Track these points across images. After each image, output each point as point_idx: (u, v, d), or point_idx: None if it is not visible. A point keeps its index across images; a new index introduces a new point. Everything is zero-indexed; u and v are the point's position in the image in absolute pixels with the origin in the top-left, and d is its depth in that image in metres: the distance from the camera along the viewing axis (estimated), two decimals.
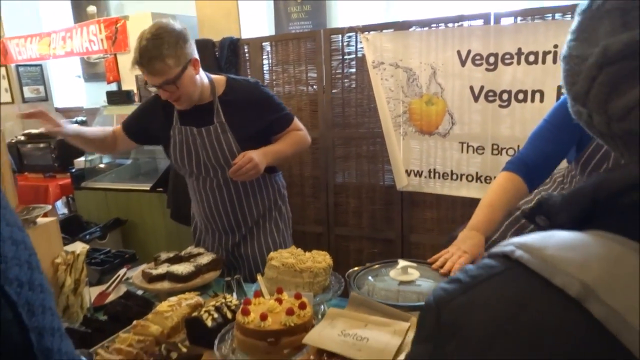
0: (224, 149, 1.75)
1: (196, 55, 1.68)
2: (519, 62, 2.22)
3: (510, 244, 0.42)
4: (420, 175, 2.59)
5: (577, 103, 0.42)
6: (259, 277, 1.52)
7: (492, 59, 2.27)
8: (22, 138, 4.08)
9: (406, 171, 2.61)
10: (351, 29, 2.63)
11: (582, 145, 1.43)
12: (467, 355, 0.39)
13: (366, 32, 2.54)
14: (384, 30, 2.54)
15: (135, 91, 3.86)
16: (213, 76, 1.81)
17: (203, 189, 1.85)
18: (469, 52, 2.31)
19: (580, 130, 0.47)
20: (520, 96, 2.25)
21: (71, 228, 2.97)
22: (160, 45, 1.56)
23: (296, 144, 1.86)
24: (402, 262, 1.39)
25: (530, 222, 0.48)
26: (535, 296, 0.38)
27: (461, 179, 2.48)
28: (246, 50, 2.96)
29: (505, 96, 2.29)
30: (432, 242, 2.59)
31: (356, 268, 1.52)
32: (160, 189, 3.09)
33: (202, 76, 1.73)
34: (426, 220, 2.69)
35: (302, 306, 1.25)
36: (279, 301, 1.27)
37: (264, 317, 1.19)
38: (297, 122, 1.88)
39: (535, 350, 0.36)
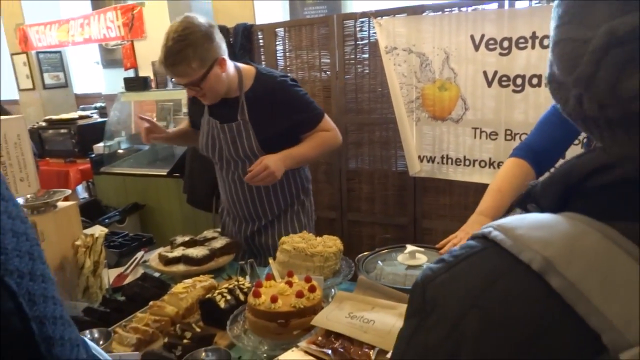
0: (245, 146, 1.75)
1: (223, 54, 1.66)
2: (533, 47, 2.19)
3: (490, 226, 0.45)
4: (433, 161, 2.59)
5: (578, 87, 0.42)
6: (270, 260, 1.56)
7: (506, 43, 2.25)
8: (44, 124, 4.18)
9: (419, 157, 2.61)
10: (364, 14, 2.62)
11: None
12: (443, 326, 0.42)
13: (379, 17, 2.53)
14: (397, 15, 2.52)
15: (152, 77, 3.91)
16: (243, 67, 1.78)
17: (226, 178, 1.87)
18: (482, 36, 2.29)
19: None
20: (535, 81, 2.23)
21: (91, 212, 3.06)
22: (185, 48, 1.56)
23: (321, 146, 1.80)
24: (410, 247, 1.41)
25: (522, 209, 0.51)
26: (505, 271, 0.41)
27: (474, 165, 2.48)
28: (260, 36, 2.98)
29: (519, 81, 2.27)
30: (445, 228, 2.60)
31: (366, 253, 1.55)
32: (177, 174, 3.15)
33: (230, 70, 1.70)
34: (439, 206, 2.70)
35: (312, 289, 1.29)
36: (290, 284, 1.31)
37: (274, 299, 1.23)
38: (327, 121, 1.81)
39: (501, 321, 0.39)
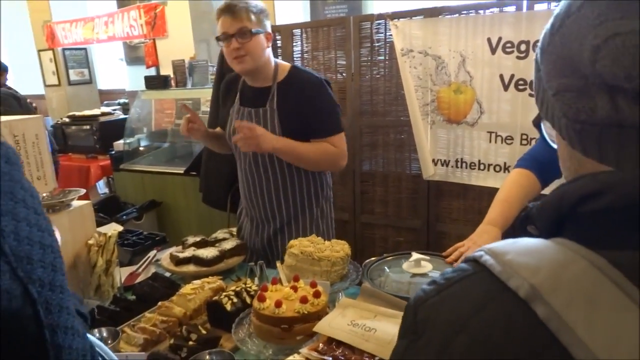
0: None
1: (270, 32, 1.77)
2: None
3: (481, 250, 0.45)
4: (447, 165, 2.57)
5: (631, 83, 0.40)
6: (278, 264, 1.58)
7: (523, 47, 2.21)
8: (67, 120, 4.28)
9: (433, 160, 2.60)
10: (380, 16, 2.61)
11: None
12: (433, 348, 0.43)
13: (395, 19, 2.51)
14: (414, 17, 2.50)
15: (172, 76, 3.97)
16: (278, 60, 1.86)
17: (244, 168, 1.89)
18: (499, 39, 2.25)
19: None
20: None
21: (110, 208, 3.13)
22: (248, 2, 1.70)
23: (320, 156, 1.77)
24: (415, 255, 1.41)
25: (521, 232, 0.51)
26: (493, 297, 0.41)
27: (489, 169, 2.45)
28: (278, 37, 2.99)
29: None
30: (458, 232, 2.58)
31: (373, 258, 1.55)
32: (194, 173, 3.19)
33: (270, 56, 1.79)
34: (452, 210, 2.68)
35: (317, 295, 1.30)
36: (295, 289, 1.32)
37: (278, 304, 1.24)
38: (340, 138, 1.80)
39: (487, 347, 0.39)
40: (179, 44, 4.46)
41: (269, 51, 1.78)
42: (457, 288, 0.45)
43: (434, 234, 2.74)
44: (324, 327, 1.18)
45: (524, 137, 2.31)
